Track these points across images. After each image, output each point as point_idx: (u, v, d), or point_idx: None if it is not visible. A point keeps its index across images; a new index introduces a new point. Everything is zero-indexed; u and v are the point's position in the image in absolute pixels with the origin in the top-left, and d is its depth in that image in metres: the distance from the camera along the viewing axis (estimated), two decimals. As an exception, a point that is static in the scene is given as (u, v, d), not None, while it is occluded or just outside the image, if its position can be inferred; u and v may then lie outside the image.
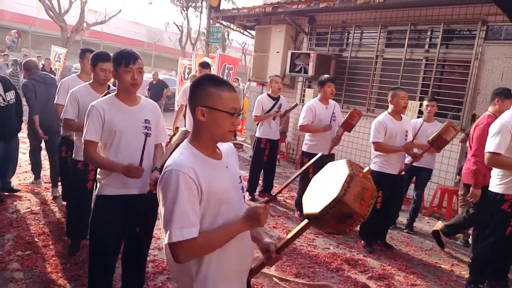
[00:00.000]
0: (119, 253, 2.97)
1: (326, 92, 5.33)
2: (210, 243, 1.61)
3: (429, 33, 7.14)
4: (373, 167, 4.69)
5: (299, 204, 5.67)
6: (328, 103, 5.44)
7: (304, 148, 5.53)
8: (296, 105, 6.42)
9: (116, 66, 2.68)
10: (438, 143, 4.57)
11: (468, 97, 6.38)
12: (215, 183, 1.64)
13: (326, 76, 5.48)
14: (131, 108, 2.77)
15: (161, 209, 1.61)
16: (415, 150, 4.83)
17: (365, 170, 1.66)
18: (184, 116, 6.39)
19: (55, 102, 4.22)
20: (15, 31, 20.71)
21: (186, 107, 6.17)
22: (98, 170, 2.85)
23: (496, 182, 3.71)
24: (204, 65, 5.80)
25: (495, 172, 3.73)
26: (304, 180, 5.49)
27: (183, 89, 5.95)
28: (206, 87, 1.67)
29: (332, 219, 1.53)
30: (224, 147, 1.84)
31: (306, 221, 1.68)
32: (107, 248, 2.83)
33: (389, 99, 4.69)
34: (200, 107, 1.66)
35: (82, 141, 2.73)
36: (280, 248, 1.73)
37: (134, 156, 2.69)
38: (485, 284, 3.95)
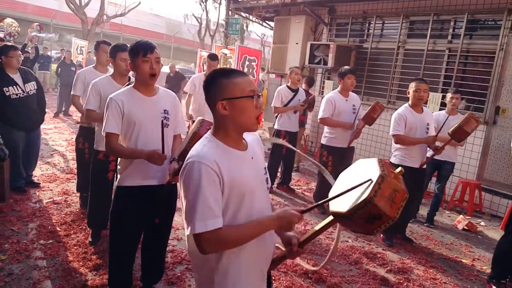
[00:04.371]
0: (139, 243, 3.01)
1: (346, 83, 5.25)
2: (237, 237, 1.60)
3: (452, 23, 6.98)
4: (394, 160, 4.63)
5: (317, 197, 5.64)
6: (348, 95, 5.36)
7: (323, 141, 5.47)
8: (313, 97, 6.30)
9: (133, 56, 2.68)
10: (459, 135, 4.48)
11: (492, 89, 6.23)
12: (239, 175, 1.63)
13: (347, 67, 5.40)
14: (150, 99, 2.78)
15: (182, 201, 1.60)
16: (437, 143, 4.74)
17: (397, 171, 1.61)
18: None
19: (71, 93, 4.38)
20: (37, 24, 21.03)
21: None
22: (119, 161, 2.87)
23: None
24: (213, 57, 5.79)
25: None
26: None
27: (191, 79, 5.97)
28: (218, 81, 1.67)
29: (360, 219, 1.49)
30: (250, 138, 1.82)
31: (331, 217, 1.64)
32: (127, 238, 2.87)
33: (407, 91, 4.61)
34: (220, 101, 1.64)
35: (103, 133, 2.76)
36: (302, 242, 1.71)
37: (154, 146, 2.70)
38: (508, 279, 3.88)
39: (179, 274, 3.53)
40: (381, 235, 4.72)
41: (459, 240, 5.08)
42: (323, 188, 5.40)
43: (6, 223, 4.22)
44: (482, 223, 5.80)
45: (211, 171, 1.56)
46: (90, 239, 3.98)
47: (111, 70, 4.31)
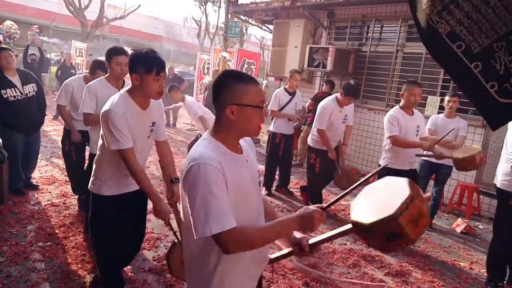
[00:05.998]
0: (121, 241, 3.02)
1: (344, 101, 5.23)
2: (260, 236, 1.58)
3: (450, 27, 6.99)
4: (382, 162, 4.63)
5: (312, 200, 5.56)
6: (343, 106, 5.35)
7: (311, 143, 5.48)
8: (309, 112, 6.23)
9: (144, 72, 2.52)
10: (461, 165, 4.43)
11: (490, 92, 6.23)
12: (237, 177, 1.62)
13: (353, 86, 5.26)
14: (144, 112, 2.72)
15: (189, 204, 1.56)
16: (437, 147, 4.71)
17: (425, 196, 1.63)
18: None
19: (56, 101, 4.56)
20: (37, 26, 21.06)
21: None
22: (94, 168, 2.86)
23: (502, 178, 3.72)
24: (171, 89, 5.89)
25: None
26: (310, 172, 5.49)
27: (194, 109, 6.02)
28: (232, 84, 1.64)
29: (381, 234, 1.49)
30: (242, 141, 1.82)
31: (349, 225, 1.63)
32: (109, 242, 2.93)
33: (401, 93, 4.58)
34: (230, 105, 1.62)
35: (117, 149, 2.59)
36: (314, 244, 1.70)
37: (140, 157, 2.73)
38: (505, 281, 3.89)
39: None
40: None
41: (457, 243, 5.09)
42: (315, 190, 5.51)
43: (5, 225, 4.23)
44: (481, 226, 5.81)
45: (218, 171, 1.54)
46: (88, 241, 3.97)
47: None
